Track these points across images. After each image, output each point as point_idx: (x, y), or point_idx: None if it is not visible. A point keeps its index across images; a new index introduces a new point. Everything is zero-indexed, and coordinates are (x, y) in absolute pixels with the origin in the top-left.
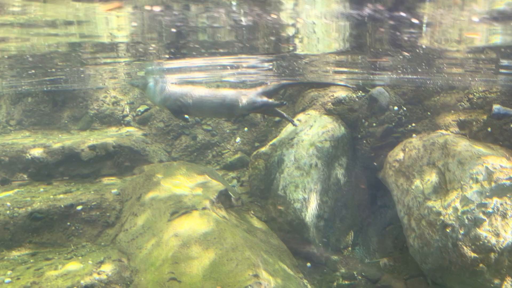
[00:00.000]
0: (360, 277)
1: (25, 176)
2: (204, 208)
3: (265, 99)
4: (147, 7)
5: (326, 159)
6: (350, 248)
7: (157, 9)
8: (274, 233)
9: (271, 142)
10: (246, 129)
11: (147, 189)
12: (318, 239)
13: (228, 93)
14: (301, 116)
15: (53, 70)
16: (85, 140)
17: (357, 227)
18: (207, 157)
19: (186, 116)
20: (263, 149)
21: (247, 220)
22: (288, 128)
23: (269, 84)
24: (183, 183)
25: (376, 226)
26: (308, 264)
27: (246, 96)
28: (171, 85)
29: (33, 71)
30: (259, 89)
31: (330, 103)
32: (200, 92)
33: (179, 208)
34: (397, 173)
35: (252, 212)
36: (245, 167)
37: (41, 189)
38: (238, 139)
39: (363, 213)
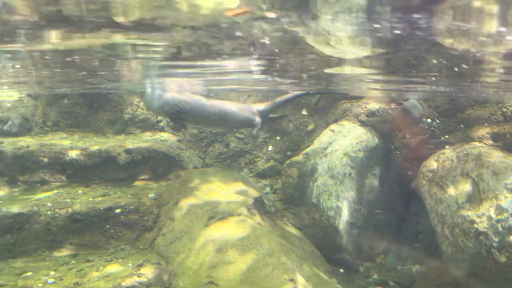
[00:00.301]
0: (392, 283)
1: (63, 177)
2: (240, 214)
3: (258, 119)
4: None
5: (360, 168)
6: (382, 255)
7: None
8: (307, 239)
9: (304, 151)
10: (278, 138)
11: (184, 194)
12: (351, 246)
13: (228, 106)
14: (334, 127)
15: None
16: (121, 144)
17: (390, 235)
18: (240, 164)
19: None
20: (297, 158)
21: (281, 226)
22: (322, 138)
23: (269, 101)
24: (218, 189)
25: (409, 234)
26: (341, 270)
27: (245, 112)
28: (169, 92)
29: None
30: (261, 107)
31: (363, 115)
32: (199, 100)
33: (215, 213)
34: (431, 183)
35: (285, 219)
36: (277, 175)
37: (80, 191)
38: (270, 148)
39: (396, 221)
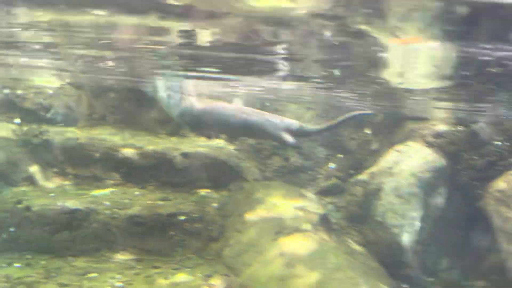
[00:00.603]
0: None
1: (117, 175)
2: (306, 230)
3: (289, 139)
4: None
5: (426, 188)
6: (446, 271)
7: None
8: (371, 256)
9: (369, 170)
10: (340, 155)
11: (249, 207)
12: (415, 262)
13: (255, 118)
14: (400, 147)
15: None
16: (176, 146)
17: (454, 251)
18: (301, 180)
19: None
20: (361, 176)
21: (345, 243)
22: (387, 158)
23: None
24: (284, 204)
25: (473, 251)
26: (405, 286)
27: (271, 127)
28: (189, 97)
29: None
30: (293, 123)
31: (430, 136)
32: (222, 110)
33: (282, 228)
34: (498, 202)
35: (350, 236)
36: (340, 193)
37: (136, 192)
38: (332, 165)
39: (460, 239)
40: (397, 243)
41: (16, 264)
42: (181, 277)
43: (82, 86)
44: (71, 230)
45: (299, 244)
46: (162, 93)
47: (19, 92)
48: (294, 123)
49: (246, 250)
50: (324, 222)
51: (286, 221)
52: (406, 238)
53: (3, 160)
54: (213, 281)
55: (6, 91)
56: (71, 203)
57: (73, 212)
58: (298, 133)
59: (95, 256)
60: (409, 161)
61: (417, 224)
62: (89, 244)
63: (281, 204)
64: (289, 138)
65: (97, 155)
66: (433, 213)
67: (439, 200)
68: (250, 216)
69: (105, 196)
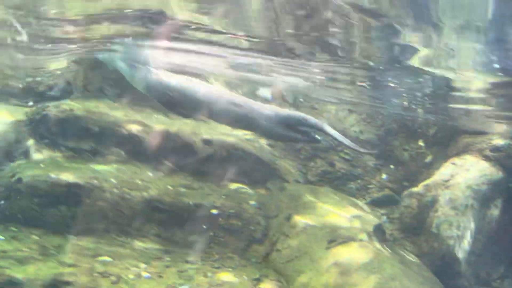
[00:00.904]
0: None
1: (121, 152)
2: (361, 240)
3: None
4: None
5: (482, 200)
6: (499, 280)
7: None
8: (425, 266)
9: (424, 183)
10: (392, 166)
11: (296, 211)
12: (468, 272)
13: (238, 102)
14: (455, 160)
15: None
16: (194, 130)
17: (508, 261)
18: (350, 188)
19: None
20: (416, 188)
21: (400, 254)
22: (442, 171)
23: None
24: (336, 212)
25: None
26: None
27: (263, 116)
28: (157, 70)
29: None
30: (293, 114)
31: (487, 150)
32: (198, 89)
33: (336, 237)
34: None
35: (403, 247)
36: (393, 204)
37: (149, 173)
38: (384, 176)
39: None
40: (451, 253)
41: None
42: (225, 276)
43: (82, 60)
44: (69, 205)
45: (354, 254)
46: (120, 63)
47: (38, 78)
48: (294, 113)
49: (297, 256)
50: (379, 233)
51: (340, 230)
52: (460, 249)
53: (12, 140)
54: (262, 286)
55: (29, 79)
56: (67, 176)
57: (70, 185)
58: (301, 125)
59: (105, 238)
60: (466, 174)
61: (472, 235)
62: (96, 224)
63: (333, 211)
64: (291, 133)
65: (96, 129)
66: (488, 224)
67: (494, 212)
68: (299, 221)
69: (110, 173)
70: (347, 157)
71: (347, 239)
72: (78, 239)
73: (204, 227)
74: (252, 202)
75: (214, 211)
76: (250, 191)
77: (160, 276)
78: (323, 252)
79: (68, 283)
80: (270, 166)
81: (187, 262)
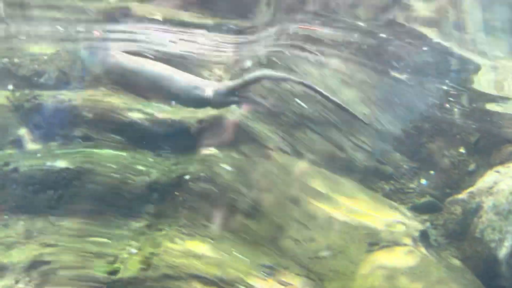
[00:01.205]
0: None
1: (119, 137)
2: (406, 245)
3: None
4: None
5: None
6: None
7: None
8: (468, 270)
9: (468, 190)
10: (432, 172)
11: (307, 196)
12: (509, 273)
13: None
14: (500, 168)
15: None
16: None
17: None
18: (384, 189)
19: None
20: (460, 196)
21: (444, 258)
22: (486, 178)
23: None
24: (373, 214)
25: None
26: None
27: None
28: (115, 52)
29: None
30: (229, 83)
31: None
32: (155, 68)
33: (378, 240)
34: None
35: (448, 252)
36: (436, 211)
37: (150, 158)
38: (423, 181)
39: None
40: (493, 256)
41: None
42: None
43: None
44: (56, 190)
45: (400, 258)
46: (83, 51)
47: (16, 60)
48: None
49: (331, 255)
50: (423, 238)
51: (382, 234)
52: (501, 252)
53: None
54: (284, 279)
55: (5, 60)
56: (59, 163)
57: (61, 171)
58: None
59: (94, 219)
60: (509, 181)
61: None
62: (82, 205)
63: (368, 213)
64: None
65: (90, 115)
66: None
67: None
68: (321, 213)
69: (109, 159)
70: (363, 145)
71: (391, 244)
72: (59, 220)
73: (176, 193)
74: (226, 166)
75: (187, 176)
76: (219, 153)
77: (140, 249)
78: (363, 254)
79: (47, 262)
80: (240, 126)
81: (159, 230)
